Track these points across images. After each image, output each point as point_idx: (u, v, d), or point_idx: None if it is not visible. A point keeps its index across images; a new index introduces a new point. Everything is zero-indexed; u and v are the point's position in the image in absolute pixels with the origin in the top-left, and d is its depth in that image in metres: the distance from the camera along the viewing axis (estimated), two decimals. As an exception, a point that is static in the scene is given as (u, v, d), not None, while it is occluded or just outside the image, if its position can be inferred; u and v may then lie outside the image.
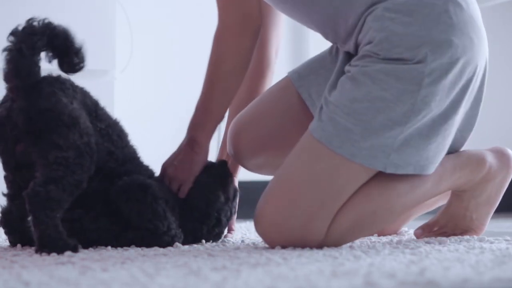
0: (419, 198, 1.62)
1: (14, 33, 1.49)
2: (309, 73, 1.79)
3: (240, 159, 1.83)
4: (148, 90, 3.55)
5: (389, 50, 1.54)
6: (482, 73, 1.63)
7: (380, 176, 1.57)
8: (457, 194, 1.74)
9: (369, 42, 1.57)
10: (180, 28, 3.60)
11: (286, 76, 1.82)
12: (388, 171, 1.56)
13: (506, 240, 1.64)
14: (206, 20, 3.68)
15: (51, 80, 1.54)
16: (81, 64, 1.55)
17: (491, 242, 1.59)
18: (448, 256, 1.32)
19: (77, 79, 1.61)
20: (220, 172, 1.76)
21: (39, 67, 1.50)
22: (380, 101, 1.54)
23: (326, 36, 1.70)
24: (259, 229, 1.58)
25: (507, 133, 3.53)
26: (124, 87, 3.38)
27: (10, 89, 1.52)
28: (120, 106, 3.07)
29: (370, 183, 1.57)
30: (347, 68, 1.61)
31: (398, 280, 1.00)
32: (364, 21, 1.58)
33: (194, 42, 3.64)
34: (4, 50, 1.48)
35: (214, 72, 1.71)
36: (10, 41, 1.48)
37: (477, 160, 1.71)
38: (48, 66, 1.55)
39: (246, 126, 1.81)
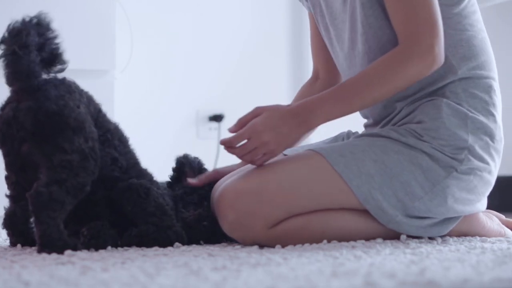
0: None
1: (3, 40, 1.48)
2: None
3: None
4: (148, 90, 3.55)
5: (433, 138, 1.60)
6: None
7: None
8: None
9: (418, 122, 1.62)
10: (180, 28, 3.60)
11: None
12: (390, 227, 1.60)
13: (508, 240, 1.64)
14: (206, 20, 3.69)
15: (57, 82, 1.53)
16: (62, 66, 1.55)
17: (493, 242, 1.59)
18: (449, 256, 1.32)
19: (77, 79, 1.60)
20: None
21: (38, 65, 1.49)
22: (408, 166, 1.59)
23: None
24: (218, 195, 1.61)
25: (507, 132, 3.51)
26: (124, 87, 3.38)
27: (15, 92, 1.51)
28: (120, 106, 3.07)
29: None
30: (381, 130, 1.65)
31: (398, 280, 1.00)
32: (417, 106, 1.64)
33: (194, 42, 3.64)
34: (0, 56, 1.48)
35: None
36: (2, 47, 1.48)
37: None
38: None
39: None
